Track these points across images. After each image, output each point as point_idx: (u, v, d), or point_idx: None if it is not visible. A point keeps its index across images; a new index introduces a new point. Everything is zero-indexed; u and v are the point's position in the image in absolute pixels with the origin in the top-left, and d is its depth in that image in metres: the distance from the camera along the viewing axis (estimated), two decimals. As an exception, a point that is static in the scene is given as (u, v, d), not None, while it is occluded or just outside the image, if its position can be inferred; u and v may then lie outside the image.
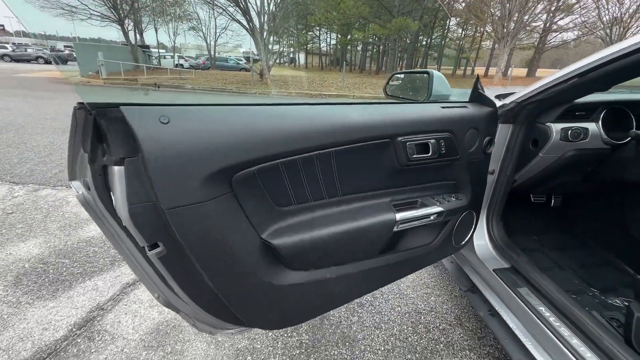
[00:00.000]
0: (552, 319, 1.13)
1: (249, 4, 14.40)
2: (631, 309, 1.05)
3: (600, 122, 1.29)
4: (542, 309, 1.17)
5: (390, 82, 1.51)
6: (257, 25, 14.95)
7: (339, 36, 29.03)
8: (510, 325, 1.22)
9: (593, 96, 1.28)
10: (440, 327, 1.57)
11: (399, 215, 1.02)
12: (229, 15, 17.61)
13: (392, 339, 1.50)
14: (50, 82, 12.62)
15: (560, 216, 1.92)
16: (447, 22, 27.95)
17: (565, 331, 1.08)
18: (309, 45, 36.67)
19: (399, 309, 1.69)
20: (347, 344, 1.46)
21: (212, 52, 26.99)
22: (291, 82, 15.67)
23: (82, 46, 16.85)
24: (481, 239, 1.49)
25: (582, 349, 1.01)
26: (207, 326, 0.93)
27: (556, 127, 1.26)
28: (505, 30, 18.89)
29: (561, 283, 1.38)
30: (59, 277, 1.82)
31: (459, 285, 1.59)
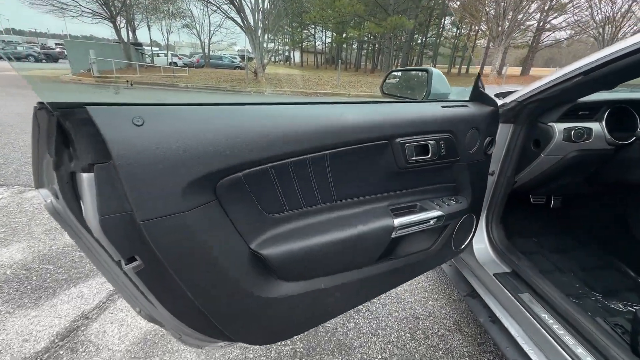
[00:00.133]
0: (556, 326, 1.09)
1: (243, 1, 14.25)
2: (638, 316, 1.01)
3: (604, 122, 1.25)
4: (545, 315, 1.13)
5: (387, 80, 1.46)
6: (252, 23, 14.80)
7: (334, 34, 28.93)
8: (512, 333, 1.18)
9: (596, 95, 1.23)
10: (439, 333, 1.53)
11: (398, 221, 0.97)
12: (223, 13, 17.43)
13: (389, 346, 1.45)
14: (42, 80, 12.37)
15: (560, 217, 1.89)
16: (443, 20, 27.99)
17: (569, 339, 1.03)
18: (304, 44, 36.50)
19: (397, 314, 1.64)
20: (343, 352, 1.41)
21: (207, 50, 26.72)
22: (286, 80, 15.56)
23: (73, 44, 16.53)
24: (481, 242, 1.44)
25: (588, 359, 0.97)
26: (194, 340, 0.87)
27: (559, 127, 1.21)
28: (500, 28, 18.96)
29: (562, 287, 1.34)
30: (42, 284, 1.74)
31: (458, 290, 1.55)
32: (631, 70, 0.88)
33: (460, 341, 1.49)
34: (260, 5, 14.96)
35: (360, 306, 1.69)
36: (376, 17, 24.19)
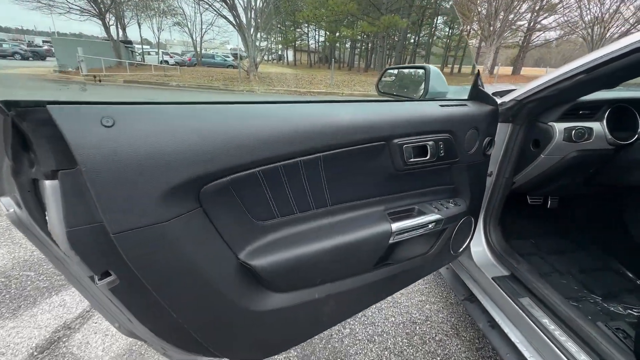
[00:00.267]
0: (558, 332, 1.05)
1: (235, -1, 14.11)
2: None
3: (604, 122, 1.22)
4: (546, 321, 1.10)
5: (383, 79, 1.41)
6: (244, 21, 14.66)
7: (328, 33, 28.86)
8: (513, 339, 1.14)
9: (596, 94, 1.20)
10: (437, 338, 1.49)
11: (395, 226, 0.92)
12: (215, 11, 17.25)
13: (386, 352, 1.41)
14: (28, 79, 12.06)
15: (558, 218, 1.87)
16: (435, 19, 28.14)
17: (572, 346, 1.00)
18: (297, 43, 36.35)
19: (393, 319, 1.60)
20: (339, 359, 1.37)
21: (199, 49, 26.41)
22: (279, 79, 15.45)
23: (61, 41, 16.16)
24: (479, 245, 1.41)
25: None
26: (179, 356, 0.81)
27: (559, 127, 1.18)
28: (491, 28, 19.12)
29: (562, 290, 1.32)
30: (22, 292, 1.65)
31: (456, 294, 1.51)
32: (635, 68, 0.85)
33: (459, 346, 1.46)
34: (253, 4, 14.83)
35: (356, 311, 1.64)
36: (369, 16, 24.20)
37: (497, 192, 1.32)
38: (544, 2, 21.81)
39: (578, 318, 1.04)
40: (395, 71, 1.45)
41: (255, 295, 0.76)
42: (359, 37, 29.20)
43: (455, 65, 31.93)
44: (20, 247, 2.03)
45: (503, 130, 1.20)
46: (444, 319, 1.61)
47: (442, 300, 1.75)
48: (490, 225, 1.40)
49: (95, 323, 1.49)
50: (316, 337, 1.47)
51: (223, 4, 15.03)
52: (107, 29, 19.40)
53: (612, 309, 1.30)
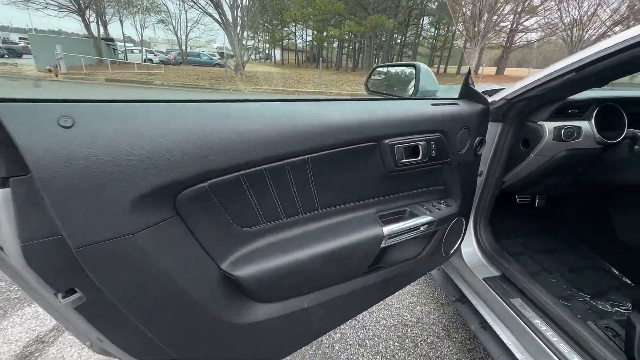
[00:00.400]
0: (549, 333, 1.04)
1: (220, -4, 13.88)
2: (632, 321, 0.98)
3: (593, 121, 1.22)
4: (538, 322, 1.09)
5: (372, 77, 1.38)
6: (230, 20, 14.45)
7: (315, 33, 28.80)
8: (505, 341, 1.13)
9: (584, 93, 1.20)
10: (428, 341, 1.47)
11: (387, 229, 0.89)
12: (200, 8, 16.93)
13: (377, 357, 1.38)
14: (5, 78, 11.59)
15: (545, 217, 1.88)
16: (421, 20, 28.47)
17: (564, 347, 0.99)
18: (284, 42, 36.12)
19: (384, 322, 1.57)
20: (330, 366, 1.33)
21: (184, 47, 25.91)
22: (266, 78, 15.30)
23: (38, 38, 15.52)
24: (469, 245, 1.39)
25: None
26: None
27: (549, 126, 1.17)
28: (475, 29, 19.48)
29: (551, 289, 1.31)
30: (-9, 304, 1.55)
31: (447, 295, 1.50)
32: (625, 66, 0.84)
33: (450, 348, 1.44)
34: (239, 1, 14.63)
35: (346, 315, 1.61)
36: (357, 16, 24.28)
37: (487, 192, 1.31)
38: (526, 4, 22.38)
39: (569, 318, 1.04)
40: (385, 69, 1.42)
41: (239, 308, 0.71)
42: (347, 37, 29.26)
43: (441, 66, 32.41)
44: (-11, 255, 1.90)
45: (493, 130, 1.19)
46: (436, 320, 1.60)
47: (434, 301, 1.73)
48: (480, 226, 1.39)
49: (72, 336, 1.40)
50: (306, 343, 1.43)
51: (208, 1, 14.77)
52: (87, 25, 18.81)
53: (600, 307, 1.31)
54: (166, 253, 0.56)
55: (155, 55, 23.00)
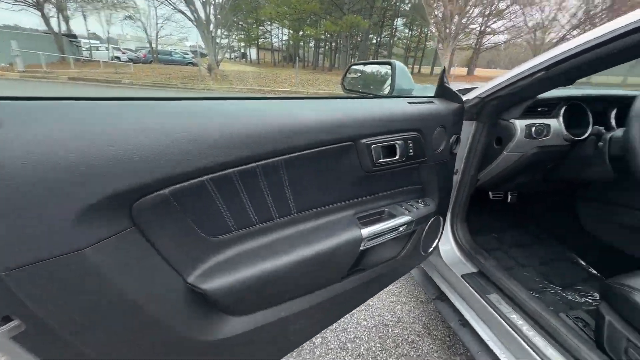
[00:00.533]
0: (525, 327, 1.06)
1: (192, -7, 13.45)
2: (601, 312, 1.01)
3: (560, 118, 1.26)
4: (514, 316, 1.11)
5: (348, 75, 1.35)
6: (203, 17, 14.04)
7: (291, 32, 28.65)
8: (483, 337, 1.14)
9: (552, 92, 1.24)
10: (409, 340, 1.47)
11: (366, 231, 0.86)
12: (171, 5, 16.36)
13: (359, 359, 1.36)
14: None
15: (517, 213, 1.94)
16: (395, 21, 29.04)
17: (539, 341, 1.01)
18: (260, 41, 35.63)
19: (365, 323, 1.56)
20: (311, 373, 1.29)
21: (155, 45, 24.91)
22: (242, 77, 15.00)
23: (-10, 33, 14.35)
24: (447, 243, 1.40)
25: None
26: None
27: (520, 124, 1.20)
28: (447, 31, 20.12)
29: (525, 282, 1.35)
30: None
31: (427, 293, 1.51)
32: (589, 65, 0.87)
33: (431, 346, 1.45)
34: (212, -1, 14.25)
35: (327, 318, 1.58)
36: (332, 16, 24.39)
37: (463, 190, 1.32)
38: (493, 8, 23.39)
39: (542, 310, 1.06)
40: (361, 67, 1.39)
41: (210, 323, 0.65)
42: (323, 37, 29.33)
43: (415, 66, 33.22)
44: None
45: (467, 128, 1.20)
46: (416, 318, 1.60)
47: (413, 299, 1.74)
48: (457, 223, 1.41)
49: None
50: (286, 350, 1.38)
51: (179, -3, 14.29)
52: (47, 20, 17.63)
53: (570, 298, 1.36)
54: (122, 269, 0.50)
55: (124, 53, 21.95)
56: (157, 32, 25.11)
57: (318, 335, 1.47)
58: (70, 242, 0.43)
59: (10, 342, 0.46)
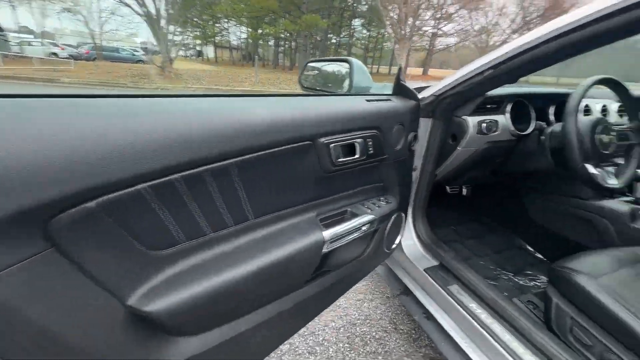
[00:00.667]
0: (484, 315, 1.11)
1: (139, -15, 12.59)
2: (548, 294, 1.08)
3: (508, 115, 1.34)
4: (473, 305, 1.15)
5: (306, 72, 1.32)
6: (153, 11, 13.21)
7: (250, 30, 28.02)
8: (446, 327, 1.17)
9: (500, 89, 1.31)
10: (377, 337, 1.48)
11: (328, 233, 0.84)
12: (116, -3, 15.17)
13: (328, 362, 1.34)
14: None
15: (472, 205, 2.05)
16: (352, 21, 29.64)
17: (497, 327, 1.06)
18: (217, 39, 34.37)
19: (333, 324, 1.54)
20: (279, 382, 1.24)
21: (99, 41, 22.93)
22: (198, 76, 14.36)
23: None
24: (409, 238, 1.43)
25: (514, 345, 0.99)
26: None
27: (473, 121, 1.25)
28: (403, 32, 20.96)
29: (481, 271, 1.42)
30: None
31: (392, 289, 1.53)
32: (528, 65, 0.92)
33: (398, 341, 1.47)
34: (162, -8, 13.45)
35: (295, 322, 1.54)
36: (291, 15, 24.24)
37: (422, 186, 1.35)
38: (443, 12, 24.82)
39: (497, 297, 1.11)
40: (318, 65, 1.37)
41: (156, 348, 0.58)
42: (282, 35, 29.07)
43: (374, 66, 34.20)
44: None
45: (425, 125, 1.22)
46: (383, 314, 1.62)
47: (380, 295, 1.76)
48: (418, 219, 1.44)
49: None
50: (252, 360, 1.32)
51: (125, -10, 13.30)
52: (-36, 10, 15.43)
53: (521, 282, 1.45)
54: (40, 300, 0.42)
55: (62, 48, 19.92)
56: (102, 27, 23.14)
57: (285, 342, 1.42)
58: None
59: None
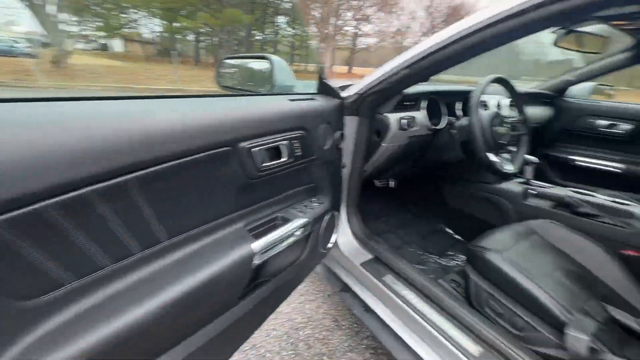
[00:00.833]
0: (415, 300, 1.17)
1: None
2: (466, 272, 1.20)
3: (423, 111, 1.44)
4: (406, 292, 1.21)
5: (222, 70, 1.22)
6: (37, -4, 11.10)
7: (165, 23, 25.59)
8: (383, 317, 1.22)
9: (416, 87, 1.40)
10: (320, 337, 1.47)
11: (258, 244, 0.78)
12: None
13: (273, 374, 1.28)
14: None
15: (399, 196, 2.19)
16: (276, 18, 29.38)
17: (427, 310, 1.12)
18: (126, 30, 30.55)
19: (275, 332, 1.48)
20: (220, 407, 1.14)
21: (-40, 28, 18.38)
22: (103, 73, 12.58)
23: None
24: (344, 235, 1.45)
25: (442, 323, 1.06)
26: None
27: (394, 117, 1.31)
28: (326, 31, 21.56)
29: (411, 258, 1.51)
30: None
31: (332, 286, 1.53)
32: (435, 66, 0.99)
33: (341, 337, 1.48)
34: (48, -27, 11.40)
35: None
36: (211, 8, 22.88)
37: (353, 182, 1.38)
38: (361, 13, 26.28)
39: (425, 281, 1.19)
40: (237, 62, 1.28)
41: None
42: (203, 30, 27.28)
43: (302, 64, 34.51)
44: None
45: (351, 123, 1.24)
46: (325, 313, 1.62)
47: (321, 294, 1.76)
48: (351, 215, 1.47)
49: None
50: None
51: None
52: None
53: (444, 263, 1.59)
54: None
55: None
56: (-36, 11, 18.60)
57: (225, 361, 1.32)
58: None
59: None
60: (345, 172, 1.33)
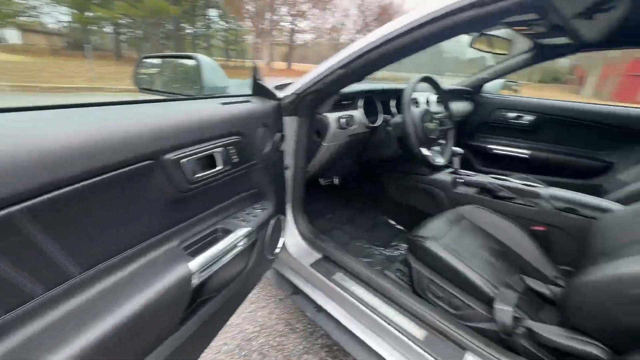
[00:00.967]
0: (365, 294, 1.20)
1: None
2: (408, 260, 1.27)
3: (360, 109, 1.47)
4: (355, 287, 1.23)
5: (142, 70, 1.09)
6: None
7: (74, 12, 22.36)
8: (335, 315, 1.23)
9: (352, 87, 1.42)
10: (274, 344, 1.44)
11: (196, 262, 0.71)
12: None
13: (226, 392, 1.21)
14: None
15: (343, 193, 2.23)
16: (207, 11, 27.79)
17: (376, 302, 1.16)
18: (23, 19, 25.97)
19: (226, 347, 1.41)
20: None
21: None
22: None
23: None
24: (292, 237, 1.43)
25: (390, 313, 1.11)
26: None
27: (332, 117, 1.32)
28: (261, 26, 21.06)
29: (358, 252, 1.55)
30: None
31: (283, 290, 1.50)
32: (370, 64, 1.01)
33: (296, 340, 1.46)
34: None
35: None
36: (130, -3, 20.63)
37: (297, 183, 1.36)
38: (296, 9, 26.24)
39: (372, 274, 1.23)
40: (158, 61, 1.15)
41: None
42: (123, 22, 24.53)
43: (238, 59, 33.23)
44: None
45: (291, 124, 1.21)
46: (278, 319, 1.59)
47: (272, 299, 1.72)
48: (297, 216, 1.45)
49: None
50: None
51: None
52: None
53: (389, 253, 1.67)
54: None
55: None
56: None
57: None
58: None
59: None
60: (289, 173, 1.30)
